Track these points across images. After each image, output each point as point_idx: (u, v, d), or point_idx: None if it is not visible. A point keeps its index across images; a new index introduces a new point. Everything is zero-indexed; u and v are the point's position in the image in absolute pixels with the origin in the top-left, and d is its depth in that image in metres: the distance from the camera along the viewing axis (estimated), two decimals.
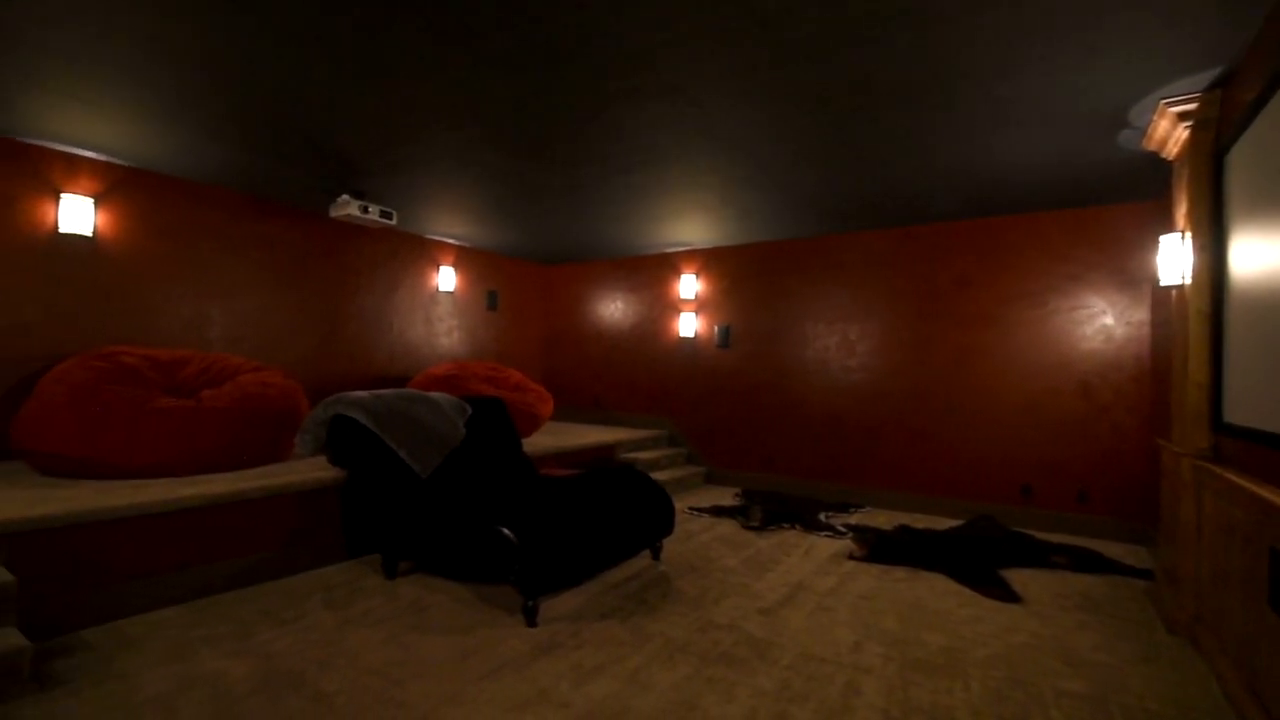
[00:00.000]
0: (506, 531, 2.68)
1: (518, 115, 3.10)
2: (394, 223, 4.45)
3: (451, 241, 6.13)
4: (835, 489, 5.36)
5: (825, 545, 4.02)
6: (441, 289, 6.07)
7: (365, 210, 4.26)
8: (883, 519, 4.71)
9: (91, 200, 3.79)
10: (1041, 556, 3.75)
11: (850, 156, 3.54)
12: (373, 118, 3.16)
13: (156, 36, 2.42)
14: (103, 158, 3.81)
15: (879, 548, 3.74)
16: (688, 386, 6.24)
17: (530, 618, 2.70)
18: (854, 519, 4.70)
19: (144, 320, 4.07)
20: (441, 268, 6.05)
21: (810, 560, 3.70)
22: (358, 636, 2.56)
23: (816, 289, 5.53)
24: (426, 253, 5.96)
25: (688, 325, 6.16)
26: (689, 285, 6.17)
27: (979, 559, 3.63)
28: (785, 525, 4.40)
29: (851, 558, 3.73)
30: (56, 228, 3.69)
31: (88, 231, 3.76)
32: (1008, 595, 3.14)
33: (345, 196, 4.24)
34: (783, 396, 5.65)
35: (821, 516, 4.68)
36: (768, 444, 5.71)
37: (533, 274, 7.26)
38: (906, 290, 5.11)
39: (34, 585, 2.42)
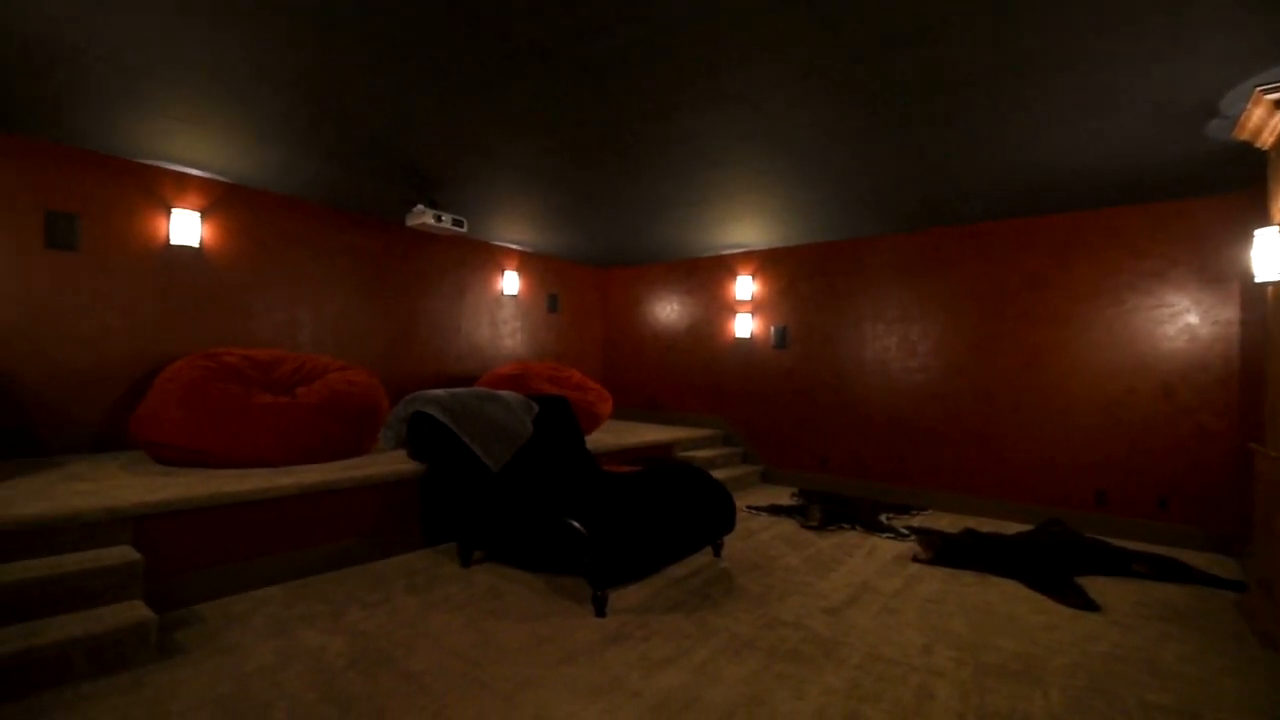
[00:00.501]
0: (576, 524, 2.79)
1: (582, 125, 3.22)
2: (464, 230, 4.66)
3: (515, 247, 6.35)
4: (895, 490, 5.27)
5: (888, 547, 3.98)
6: (506, 293, 6.29)
7: (439, 219, 4.48)
8: (946, 522, 4.61)
9: (198, 214, 4.14)
10: (1119, 564, 3.61)
11: (914, 155, 3.51)
12: (449, 132, 3.34)
13: (260, 63, 2.65)
14: (208, 175, 4.16)
15: (945, 551, 3.68)
16: (743, 386, 6.26)
17: (600, 608, 2.80)
18: (916, 521, 4.63)
19: (243, 323, 4.41)
20: (506, 272, 6.28)
21: (873, 561, 3.67)
22: (439, 620, 2.73)
23: (876, 289, 5.45)
24: (492, 258, 6.19)
25: (744, 326, 6.17)
26: (745, 286, 6.19)
27: (1052, 565, 3.52)
28: (845, 526, 4.37)
29: (916, 560, 3.68)
30: (168, 240, 4.05)
31: (195, 243, 4.11)
32: (1085, 603, 3.05)
33: (420, 206, 4.47)
34: (840, 396, 5.60)
35: (882, 518, 4.62)
36: (824, 444, 5.67)
37: (591, 277, 7.42)
38: (972, 289, 4.99)
39: (154, 563, 2.68)
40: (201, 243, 4.18)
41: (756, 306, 6.19)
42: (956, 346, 5.06)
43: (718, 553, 3.66)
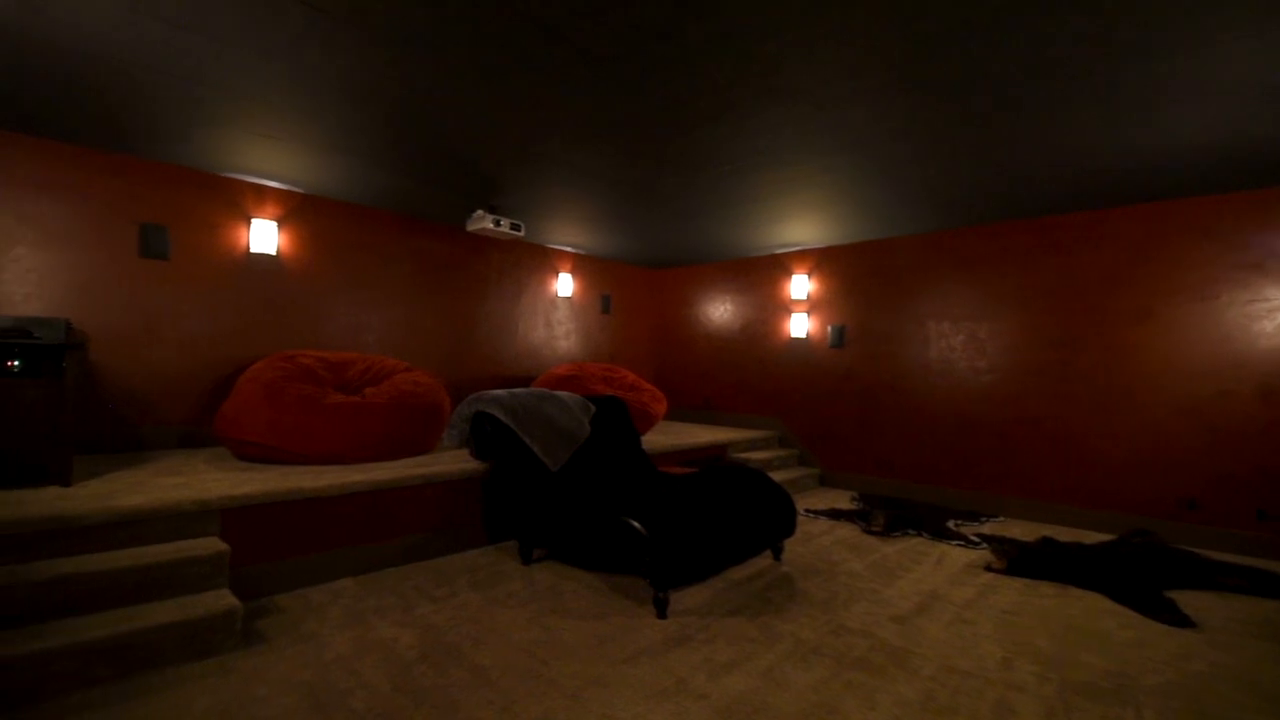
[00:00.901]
0: (635, 524, 2.80)
1: (639, 127, 3.22)
2: (522, 234, 4.75)
3: (569, 250, 6.42)
4: (962, 496, 5.07)
5: (957, 555, 3.82)
6: (560, 294, 6.38)
7: (497, 223, 4.58)
8: (1019, 530, 4.40)
9: (275, 224, 4.35)
10: (1212, 577, 3.36)
11: (983, 147, 3.36)
12: (509, 138, 3.41)
13: (336, 77, 2.76)
14: (284, 186, 4.38)
15: (1020, 561, 3.51)
16: (799, 387, 6.14)
17: (661, 609, 2.79)
18: (986, 528, 4.43)
19: (315, 326, 4.62)
20: (560, 274, 6.36)
21: (942, 570, 3.54)
22: (504, 616, 2.78)
23: (940, 286, 5.26)
24: (547, 261, 6.28)
25: (799, 326, 6.06)
26: (801, 285, 6.07)
27: (1140, 577, 3.31)
28: (910, 532, 4.22)
29: (989, 569, 3.53)
30: (248, 248, 4.28)
31: (272, 251, 4.33)
32: (1178, 619, 2.85)
33: (480, 211, 4.58)
34: (902, 398, 5.42)
35: (950, 524, 4.45)
36: (886, 447, 5.50)
37: (644, 278, 7.44)
38: (1045, 285, 4.75)
39: (238, 554, 2.83)
40: (278, 250, 4.40)
41: (813, 305, 6.07)
42: (1029, 345, 4.82)
43: (778, 556, 3.60)
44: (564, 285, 6.36)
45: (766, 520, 3.35)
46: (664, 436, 5.48)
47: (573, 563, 3.48)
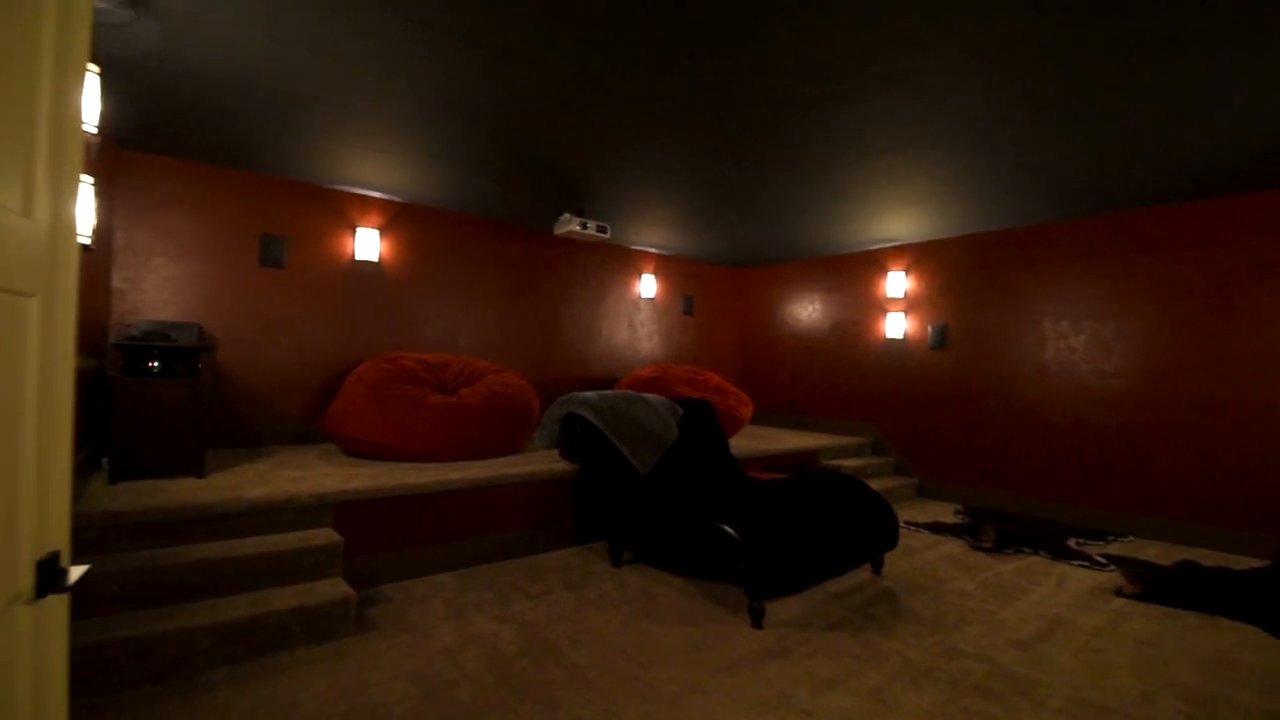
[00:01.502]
0: (729, 530, 2.72)
1: (728, 123, 3.14)
2: (608, 236, 4.78)
3: (653, 250, 6.42)
4: (1082, 512, 4.63)
5: (1081, 576, 3.49)
6: (643, 296, 6.38)
7: (584, 226, 4.63)
8: (1154, 551, 3.96)
9: (377, 232, 4.60)
10: None
11: (1112, 126, 3.04)
12: (596, 141, 3.42)
13: (439, 89, 2.86)
14: (385, 196, 4.62)
15: (1158, 585, 3.15)
16: (895, 391, 5.83)
17: (756, 619, 2.70)
18: (1114, 549, 4.02)
19: (413, 329, 4.85)
20: (643, 276, 6.36)
21: (1064, 593, 3.23)
22: (598, 617, 2.78)
23: (1057, 282, 4.83)
24: (630, 262, 6.31)
25: (895, 326, 5.76)
26: (897, 283, 5.77)
27: None
28: (1025, 550, 3.89)
29: (1120, 594, 3.19)
30: (353, 256, 4.55)
31: (374, 258, 4.58)
32: None
33: (567, 215, 4.64)
34: (1013, 403, 5.02)
35: (1071, 543, 4.07)
36: (993, 456, 5.11)
37: (727, 278, 7.33)
38: (1186, 280, 4.25)
39: (349, 545, 2.98)
40: (379, 257, 4.64)
41: (910, 304, 5.75)
42: (1164, 347, 4.34)
43: (878, 570, 3.41)
44: (647, 286, 6.36)
45: (866, 531, 3.18)
46: (751, 441, 5.35)
47: (662, 566, 3.44)
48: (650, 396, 4.05)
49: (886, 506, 3.32)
